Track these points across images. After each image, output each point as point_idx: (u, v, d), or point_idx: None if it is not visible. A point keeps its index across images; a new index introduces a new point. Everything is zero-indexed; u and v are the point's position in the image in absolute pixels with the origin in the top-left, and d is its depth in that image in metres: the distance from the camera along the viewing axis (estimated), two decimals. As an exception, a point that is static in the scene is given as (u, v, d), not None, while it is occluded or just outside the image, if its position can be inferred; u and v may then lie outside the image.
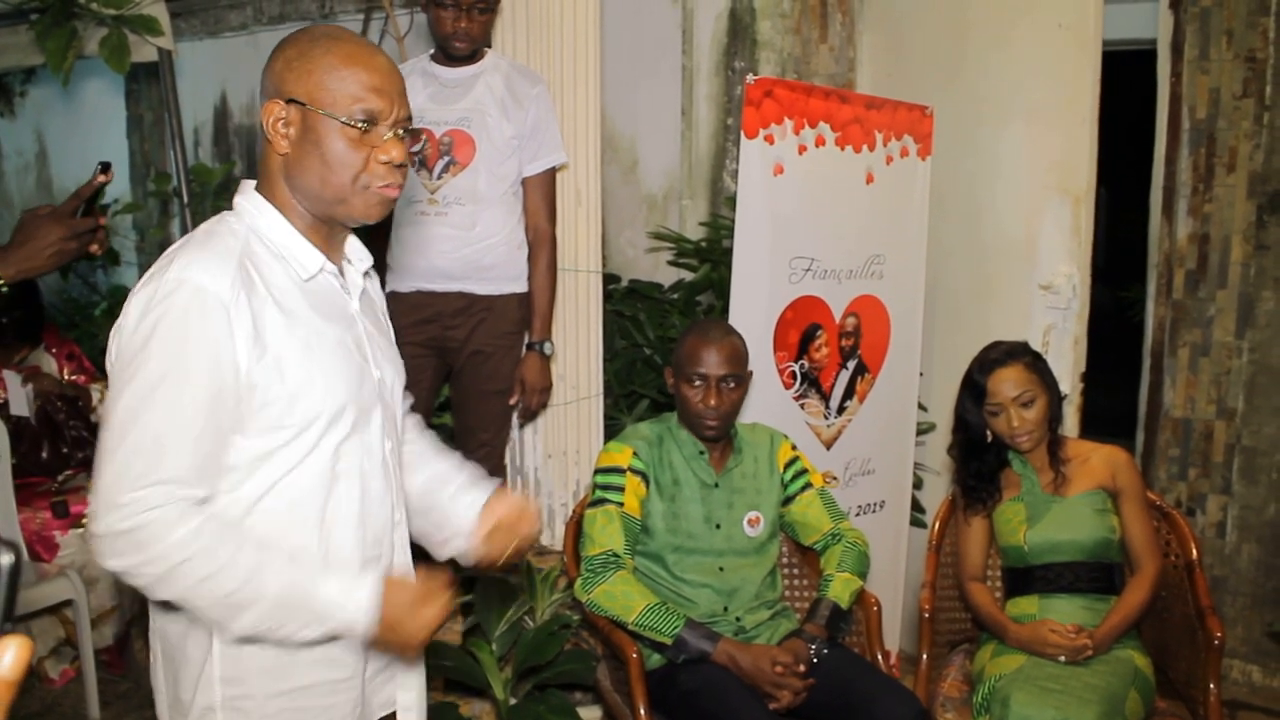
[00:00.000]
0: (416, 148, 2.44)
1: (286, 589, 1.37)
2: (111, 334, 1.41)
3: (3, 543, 0.60)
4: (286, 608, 1.37)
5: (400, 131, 1.48)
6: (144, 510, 1.30)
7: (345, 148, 1.43)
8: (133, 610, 3.43)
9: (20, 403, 3.50)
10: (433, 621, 1.45)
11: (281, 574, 1.37)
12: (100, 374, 3.85)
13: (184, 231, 4.45)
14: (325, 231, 1.51)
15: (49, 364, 3.72)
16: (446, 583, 1.48)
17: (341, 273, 1.56)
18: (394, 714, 1.63)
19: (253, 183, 1.51)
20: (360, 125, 1.43)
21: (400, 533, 1.62)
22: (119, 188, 5.39)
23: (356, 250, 1.60)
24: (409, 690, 1.64)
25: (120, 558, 1.32)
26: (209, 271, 1.35)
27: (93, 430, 3.55)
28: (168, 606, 1.43)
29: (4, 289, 1.91)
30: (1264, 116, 3.34)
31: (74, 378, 3.73)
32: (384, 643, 1.45)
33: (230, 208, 1.52)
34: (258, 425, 1.39)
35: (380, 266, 3.03)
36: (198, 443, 1.34)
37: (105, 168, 1.89)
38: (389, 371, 1.61)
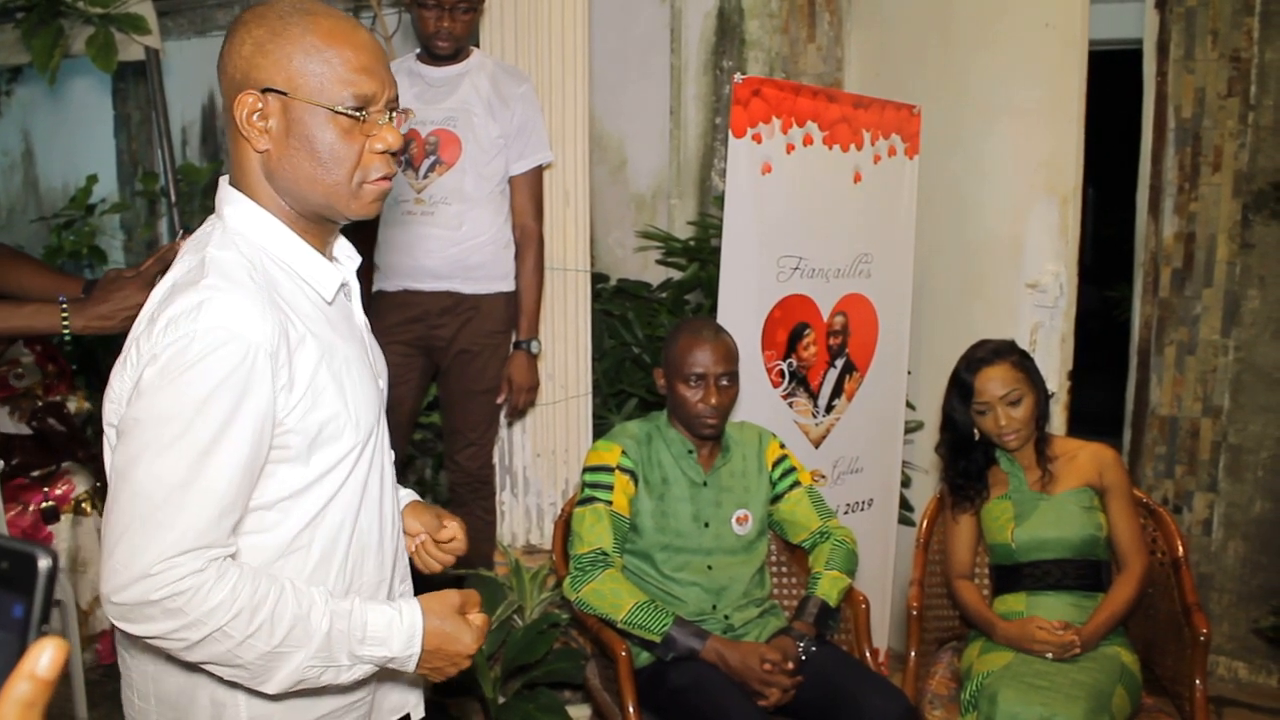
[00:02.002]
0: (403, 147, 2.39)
1: (332, 630, 1.26)
2: (121, 370, 1.28)
3: (43, 547, 0.60)
4: (333, 648, 1.27)
5: (392, 114, 1.34)
6: (181, 578, 1.18)
7: (337, 139, 1.28)
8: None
9: (8, 424, 3.51)
10: (479, 632, 1.38)
11: (325, 615, 1.26)
12: (78, 384, 3.83)
13: (171, 231, 4.44)
14: (317, 231, 1.38)
15: (28, 361, 3.70)
16: (475, 596, 1.42)
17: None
18: (407, 717, 1.58)
19: (233, 189, 1.35)
20: (352, 112, 1.28)
21: (403, 543, 1.57)
22: (106, 187, 5.36)
23: (345, 249, 1.48)
24: (415, 691, 1.60)
25: (151, 623, 1.19)
26: (250, 320, 1.22)
27: (74, 433, 3.54)
28: (168, 660, 1.33)
29: (66, 336, 1.96)
30: (1249, 116, 3.35)
31: (54, 385, 3.71)
32: (435, 665, 1.37)
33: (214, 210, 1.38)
34: (286, 466, 1.30)
35: (369, 266, 3.03)
36: (234, 504, 1.24)
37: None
38: (384, 376, 1.53)
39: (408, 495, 1.65)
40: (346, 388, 1.33)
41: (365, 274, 2.98)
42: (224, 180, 1.37)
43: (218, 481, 1.21)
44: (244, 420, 1.21)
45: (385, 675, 1.48)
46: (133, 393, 1.23)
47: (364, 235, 2.97)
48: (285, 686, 1.26)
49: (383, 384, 1.49)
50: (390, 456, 1.51)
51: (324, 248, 1.41)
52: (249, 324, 1.21)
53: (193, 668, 1.31)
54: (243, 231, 1.32)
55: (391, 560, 1.49)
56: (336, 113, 1.27)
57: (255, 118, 1.28)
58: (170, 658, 1.30)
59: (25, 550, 0.60)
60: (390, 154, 1.34)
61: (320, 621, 1.25)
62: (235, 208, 1.33)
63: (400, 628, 1.31)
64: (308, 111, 1.27)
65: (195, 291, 1.22)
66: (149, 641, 1.24)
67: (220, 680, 1.30)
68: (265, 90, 1.27)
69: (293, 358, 1.26)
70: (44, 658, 0.58)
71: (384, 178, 1.35)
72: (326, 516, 1.35)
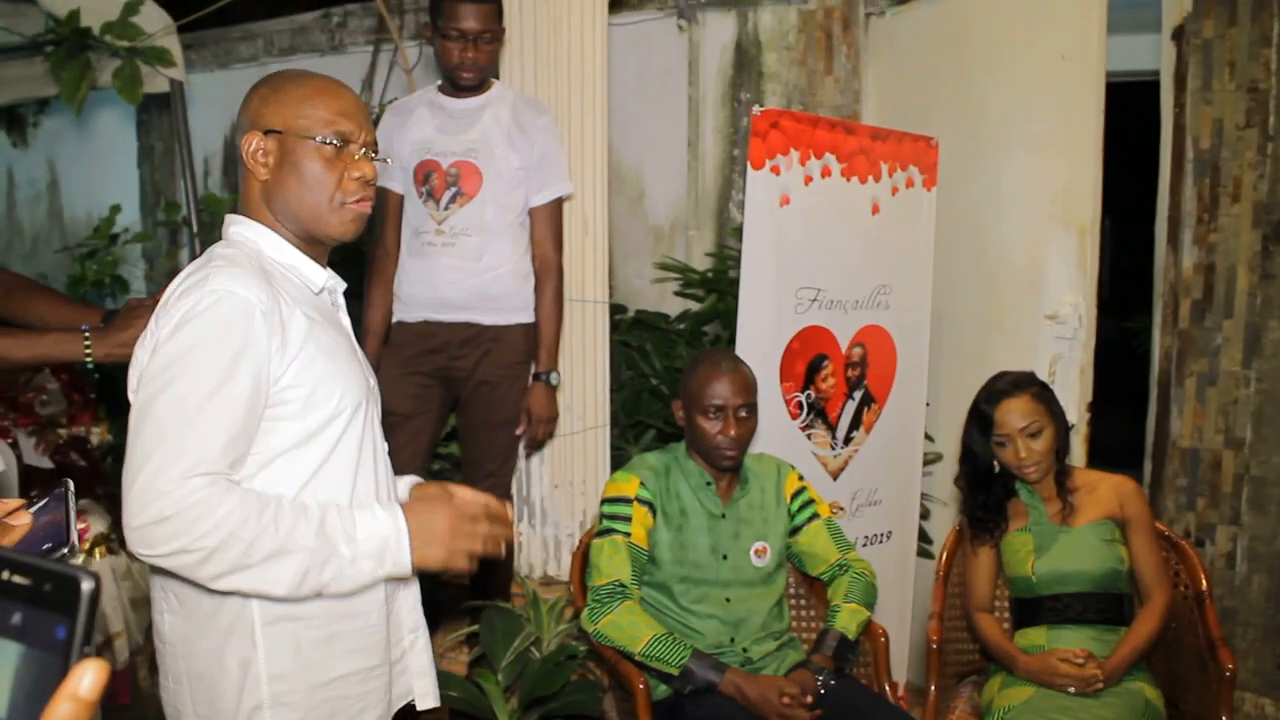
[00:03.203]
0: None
1: (325, 522, 1.46)
2: (142, 345, 1.53)
3: (86, 570, 0.61)
4: (333, 540, 1.45)
5: (370, 152, 1.61)
6: (191, 494, 1.36)
7: (321, 168, 1.57)
8: (138, 640, 3.43)
9: (31, 455, 3.53)
10: (465, 504, 1.58)
11: (319, 512, 1.46)
12: (102, 413, 3.86)
13: (193, 260, 4.48)
14: (312, 252, 1.64)
15: (54, 389, 3.73)
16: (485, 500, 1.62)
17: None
18: (412, 704, 1.76)
19: (239, 215, 1.63)
20: (333, 144, 1.57)
21: None
22: (129, 217, 5.42)
23: (334, 277, 1.73)
24: (424, 677, 1.77)
25: (167, 543, 1.37)
26: (246, 284, 1.46)
27: (94, 468, 3.56)
28: (194, 623, 1.54)
29: (90, 364, 2.03)
30: (1268, 147, 3.35)
31: (78, 416, 3.74)
32: (430, 550, 1.52)
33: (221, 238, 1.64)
34: (286, 422, 1.51)
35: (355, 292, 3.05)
36: (238, 437, 1.44)
37: None
38: (373, 377, 1.75)
39: (408, 481, 1.79)
40: (335, 362, 1.57)
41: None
42: (232, 214, 1.66)
43: (224, 414, 1.42)
44: (245, 364, 1.44)
45: (395, 658, 1.69)
46: (150, 354, 1.47)
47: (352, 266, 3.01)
48: (295, 585, 1.44)
49: (373, 382, 1.72)
50: (384, 446, 1.71)
51: (320, 263, 1.67)
52: (247, 287, 1.46)
53: (222, 631, 1.52)
54: (243, 240, 1.60)
55: None
56: (320, 144, 1.57)
57: (259, 154, 1.58)
58: (199, 623, 1.53)
59: (68, 573, 0.61)
60: (367, 183, 1.61)
61: (315, 517, 1.45)
62: (238, 226, 1.63)
63: (385, 516, 1.51)
64: (298, 145, 1.57)
65: (201, 270, 1.51)
66: (170, 566, 1.40)
67: (243, 638, 1.51)
68: (267, 132, 1.58)
69: (285, 324, 1.50)
70: (86, 679, 0.59)
71: (362, 200, 1.62)
72: (325, 477, 1.55)
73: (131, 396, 1.52)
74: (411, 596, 1.75)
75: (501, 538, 1.62)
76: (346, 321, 1.73)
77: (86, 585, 0.61)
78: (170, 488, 1.36)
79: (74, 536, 1.02)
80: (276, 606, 1.53)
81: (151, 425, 1.41)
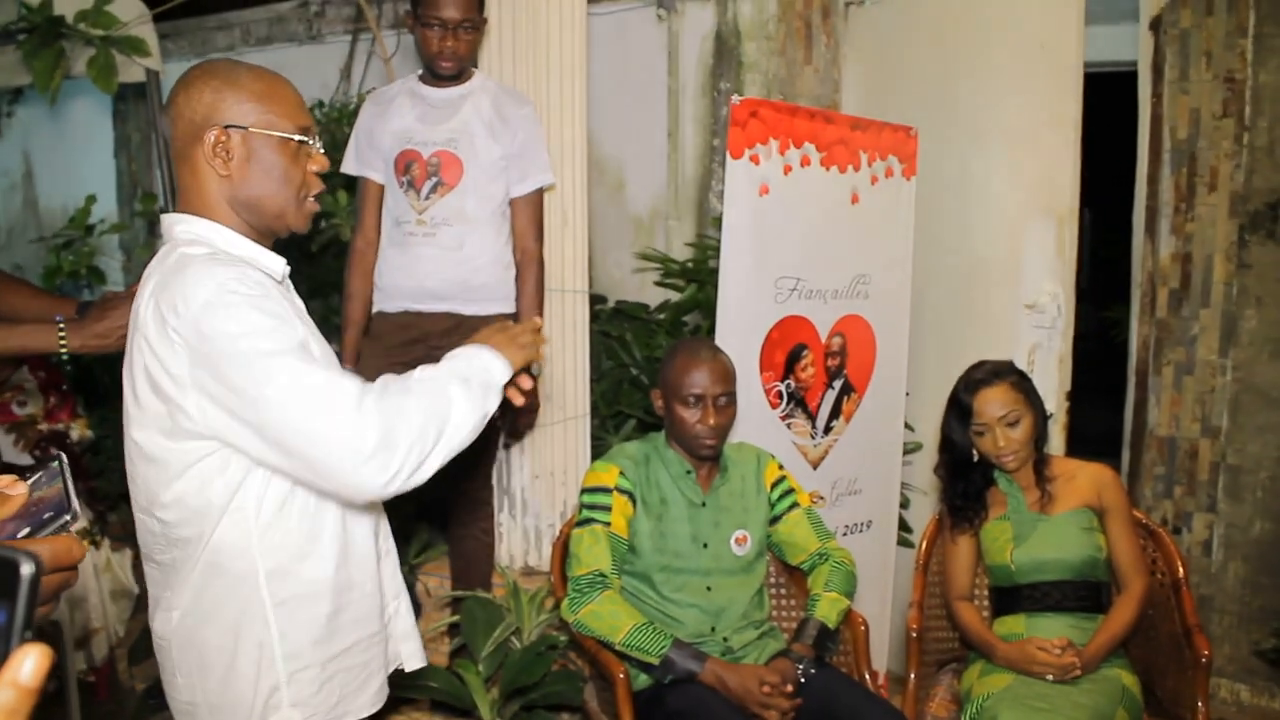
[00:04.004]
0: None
1: (453, 369, 1.56)
2: (163, 347, 1.47)
3: (26, 553, 0.60)
4: (461, 378, 1.54)
5: (319, 146, 1.64)
6: (369, 411, 1.42)
7: (289, 163, 1.58)
8: (117, 634, 3.40)
9: (10, 453, 3.50)
10: (525, 332, 1.72)
11: (441, 368, 1.56)
12: (80, 410, 3.83)
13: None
14: (264, 244, 1.65)
15: (31, 387, 3.69)
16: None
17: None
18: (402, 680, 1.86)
19: (178, 215, 1.60)
20: (299, 138, 1.58)
21: (384, 525, 1.80)
22: (105, 208, 5.37)
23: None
24: (409, 640, 1.82)
25: (406, 452, 1.43)
26: (242, 267, 1.51)
27: (75, 463, 3.53)
28: (198, 618, 1.57)
29: (64, 357, 2.01)
30: (1244, 136, 3.37)
31: (57, 413, 3.70)
32: (507, 349, 1.65)
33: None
34: None
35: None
36: (335, 363, 1.55)
37: None
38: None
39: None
40: (315, 342, 1.60)
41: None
42: (164, 215, 1.63)
43: (305, 356, 1.45)
44: (282, 316, 1.48)
45: (386, 624, 1.76)
46: (189, 359, 1.44)
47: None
48: (482, 402, 1.56)
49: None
50: None
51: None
52: (243, 267, 1.50)
53: (233, 618, 1.55)
54: (195, 239, 1.57)
55: (379, 515, 1.76)
56: (288, 139, 1.57)
57: (220, 149, 1.55)
58: (205, 615, 1.57)
59: (7, 556, 0.60)
60: (320, 178, 1.64)
61: (439, 368, 1.56)
62: (184, 225, 1.59)
63: (469, 349, 1.63)
64: (264, 141, 1.56)
65: (193, 262, 1.49)
66: (434, 466, 1.49)
67: (255, 621, 1.55)
68: (227, 127, 1.54)
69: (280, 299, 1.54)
70: (27, 665, 0.57)
71: (315, 197, 1.65)
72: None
73: (160, 404, 1.50)
74: (392, 564, 1.80)
75: (541, 344, 1.78)
76: (302, 307, 1.73)
77: (26, 569, 0.59)
78: (360, 424, 1.40)
79: (75, 504, 1.02)
80: (285, 587, 1.57)
81: (288, 411, 1.42)
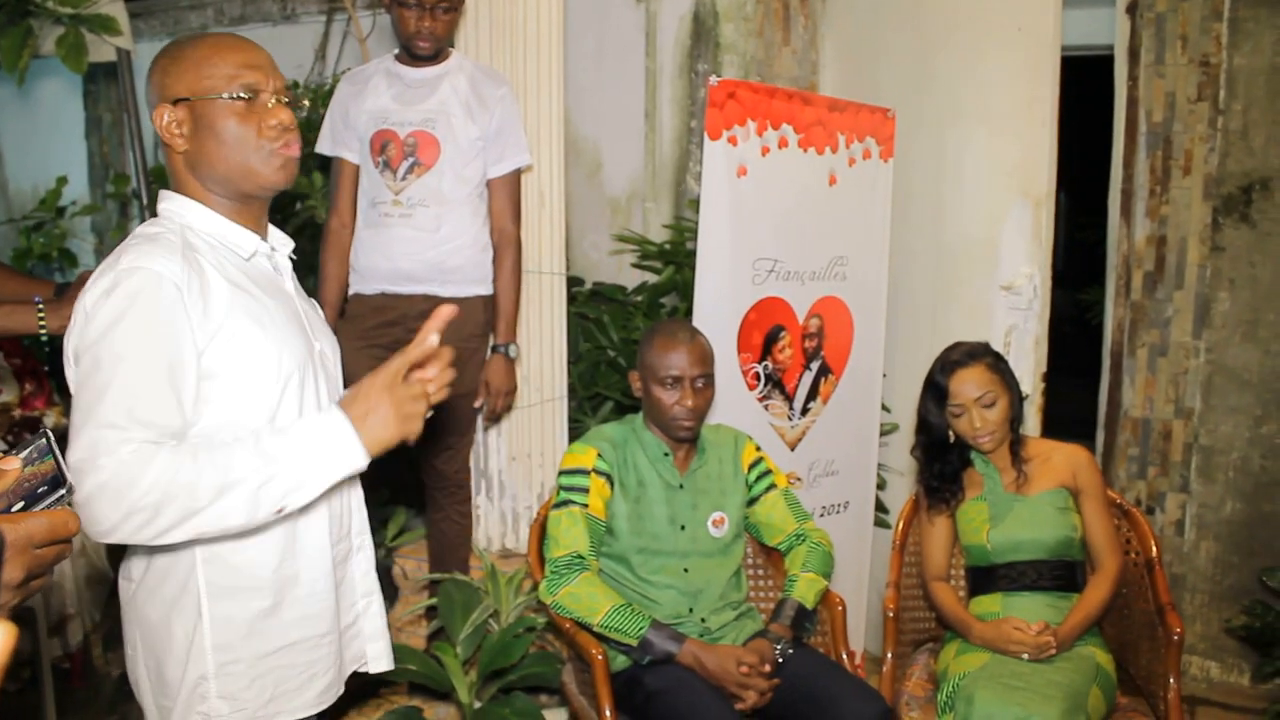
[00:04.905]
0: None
1: (265, 449, 1.41)
2: (71, 327, 1.48)
3: None
4: (272, 462, 1.40)
5: (282, 99, 1.57)
6: (120, 462, 1.34)
7: (236, 123, 1.53)
8: (92, 619, 3.38)
9: None
10: (399, 362, 1.50)
11: (251, 443, 1.42)
12: (56, 398, 3.79)
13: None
14: (249, 212, 1.61)
15: (7, 375, 3.65)
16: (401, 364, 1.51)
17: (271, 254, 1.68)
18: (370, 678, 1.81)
19: (168, 191, 1.61)
20: (242, 97, 1.53)
21: (357, 497, 1.75)
22: (76, 189, 5.31)
23: (280, 238, 1.71)
24: (376, 641, 1.78)
25: (108, 514, 1.34)
26: (159, 259, 1.45)
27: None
28: (145, 591, 1.55)
29: (43, 338, 2.00)
30: (1218, 120, 3.39)
31: (32, 399, 3.66)
32: (377, 418, 1.47)
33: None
34: (217, 395, 1.48)
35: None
36: (165, 406, 1.41)
37: None
38: (327, 345, 1.73)
39: None
40: (268, 329, 1.53)
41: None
42: (165, 190, 1.63)
43: (140, 385, 1.39)
44: (156, 333, 1.42)
45: (348, 623, 1.70)
46: (77, 336, 1.45)
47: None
48: (251, 512, 1.40)
49: (327, 349, 1.72)
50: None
51: (258, 227, 1.64)
52: (156, 261, 1.44)
53: (170, 599, 1.52)
54: (171, 215, 1.58)
55: (342, 517, 1.69)
56: (230, 100, 1.53)
57: (173, 125, 1.54)
58: (146, 591, 1.54)
59: None
60: (286, 129, 1.57)
61: (249, 443, 1.41)
62: (168, 202, 1.60)
63: (320, 418, 1.46)
64: (209, 107, 1.53)
65: (118, 249, 1.50)
66: (124, 538, 1.37)
67: (189, 606, 1.52)
68: (175, 101, 1.53)
69: (206, 296, 1.47)
70: None
71: (285, 145, 1.57)
72: None
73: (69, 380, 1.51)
74: (365, 561, 1.76)
75: (442, 382, 1.55)
76: (290, 285, 1.70)
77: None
78: (102, 460, 1.34)
79: (69, 476, 1.04)
80: (223, 578, 1.53)
81: (80, 409, 1.40)
